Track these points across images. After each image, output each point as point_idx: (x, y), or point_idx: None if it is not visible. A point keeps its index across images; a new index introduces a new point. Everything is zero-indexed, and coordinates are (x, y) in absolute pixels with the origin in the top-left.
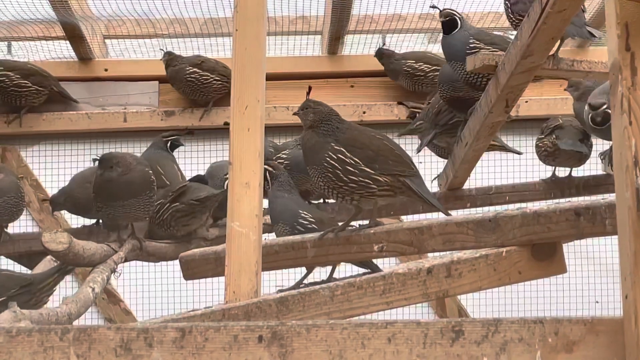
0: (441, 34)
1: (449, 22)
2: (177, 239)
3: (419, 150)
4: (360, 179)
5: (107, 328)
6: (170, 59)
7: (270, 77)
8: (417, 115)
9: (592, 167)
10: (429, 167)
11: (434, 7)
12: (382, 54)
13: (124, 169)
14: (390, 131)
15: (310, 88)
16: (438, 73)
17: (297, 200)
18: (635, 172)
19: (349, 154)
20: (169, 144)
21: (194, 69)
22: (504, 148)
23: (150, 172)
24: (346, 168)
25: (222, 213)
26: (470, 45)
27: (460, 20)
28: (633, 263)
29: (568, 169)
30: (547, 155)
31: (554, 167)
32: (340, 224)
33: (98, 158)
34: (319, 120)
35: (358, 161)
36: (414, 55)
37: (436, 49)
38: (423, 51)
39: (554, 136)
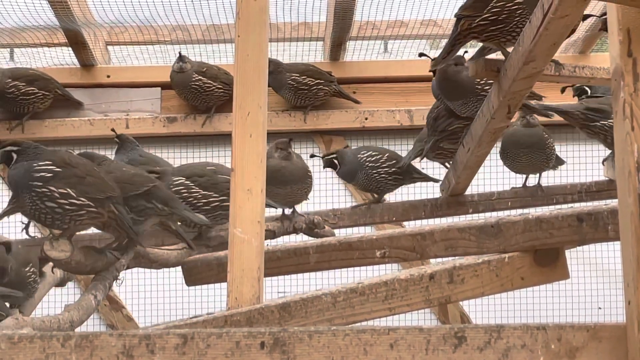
0: (443, 41)
1: None
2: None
3: (422, 158)
4: None
5: (109, 334)
6: (185, 64)
7: None
8: None
9: (595, 172)
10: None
11: None
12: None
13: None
14: (392, 138)
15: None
16: (321, 87)
17: None
18: (637, 178)
19: None
20: None
21: (199, 77)
22: None
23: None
24: None
25: None
26: None
27: None
28: (636, 269)
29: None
30: None
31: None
32: None
33: None
34: None
35: None
36: (298, 67)
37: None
38: (307, 64)
39: None
